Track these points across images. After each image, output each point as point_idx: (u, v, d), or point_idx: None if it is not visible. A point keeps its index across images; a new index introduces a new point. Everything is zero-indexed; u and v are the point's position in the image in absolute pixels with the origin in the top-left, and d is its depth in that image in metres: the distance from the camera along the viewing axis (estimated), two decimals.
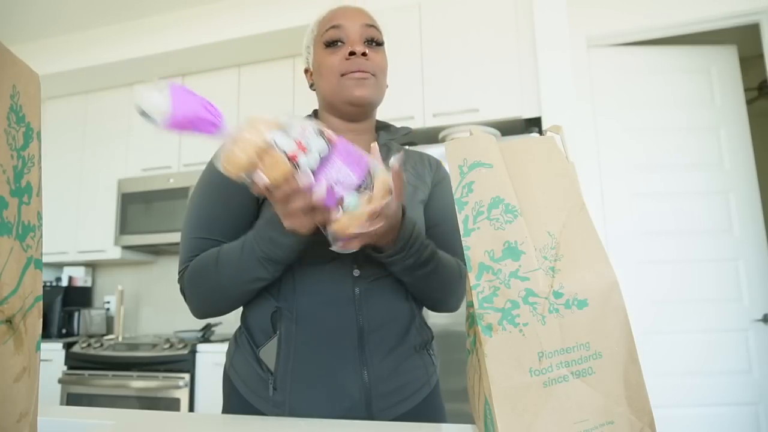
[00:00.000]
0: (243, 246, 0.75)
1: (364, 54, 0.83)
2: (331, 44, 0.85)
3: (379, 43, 0.88)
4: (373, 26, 0.87)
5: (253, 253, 0.74)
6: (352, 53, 0.83)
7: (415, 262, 0.77)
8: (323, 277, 0.80)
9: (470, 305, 0.58)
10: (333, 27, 0.85)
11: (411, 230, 0.74)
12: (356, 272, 0.80)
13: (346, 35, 0.85)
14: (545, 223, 0.53)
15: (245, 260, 0.74)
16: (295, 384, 0.77)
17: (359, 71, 0.83)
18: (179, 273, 0.84)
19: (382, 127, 0.97)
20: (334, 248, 0.65)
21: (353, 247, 0.65)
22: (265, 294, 0.82)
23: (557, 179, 0.56)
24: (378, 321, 0.80)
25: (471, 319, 0.58)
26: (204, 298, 0.80)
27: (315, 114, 0.94)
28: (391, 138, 0.92)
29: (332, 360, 0.77)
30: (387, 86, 0.92)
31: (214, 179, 0.83)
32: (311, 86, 0.93)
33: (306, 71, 0.94)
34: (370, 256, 0.77)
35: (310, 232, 0.66)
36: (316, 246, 0.75)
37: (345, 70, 0.83)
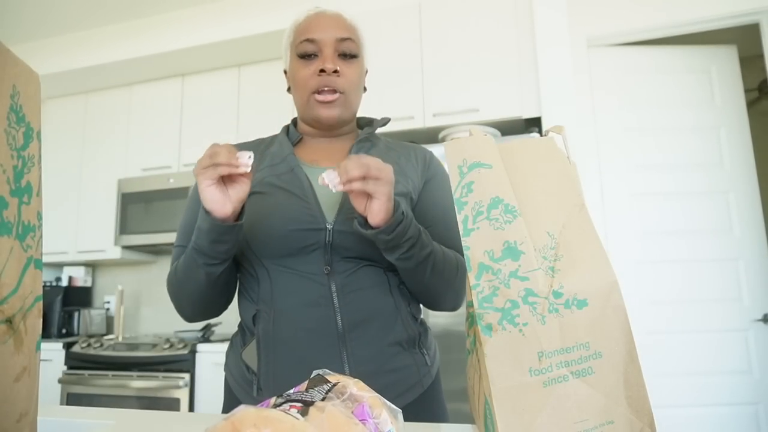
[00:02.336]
0: (190, 243, 0.79)
1: (335, 71, 0.85)
2: (304, 56, 0.87)
3: (354, 56, 0.89)
4: (348, 38, 0.88)
5: (191, 245, 0.78)
6: (323, 71, 0.84)
7: (412, 246, 0.75)
8: (298, 277, 0.80)
9: (470, 305, 0.58)
10: (307, 40, 0.87)
11: (401, 210, 0.73)
12: (326, 269, 0.80)
13: (320, 49, 0.86)
14: (545, 224, 0.53)
15: (187, 258, 0.80)
16: (278, 384, 0.77)
17: (329, 91, 0.85)
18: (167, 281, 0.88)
19: (365, 123, 0.98)
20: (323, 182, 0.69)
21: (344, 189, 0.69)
22: (249, 298, 0.85)
23: (557, 179, 0.56)
24: (359, 316, 0.79)
25: (471, 319, 0.58)
26: (177, 300, 0.86)
27: (295, 122, 0.97)
28: (371, 131, 0.93)
29: (313, 359, 0.77)
30: (366, 90, 0.95)
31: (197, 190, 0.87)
32: (288, 89, 0.95)
33: (285, 72, 0.96)
34: (347, 248, 0.80)
35: (222, 213, 0.71)
36: (287, 245, 0.79)
37: (315, 87, 0.85)
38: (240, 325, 0.89)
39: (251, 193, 0.80)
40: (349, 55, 0.88)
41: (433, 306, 0.90)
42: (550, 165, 0.57)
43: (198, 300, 0.83)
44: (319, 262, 0.80)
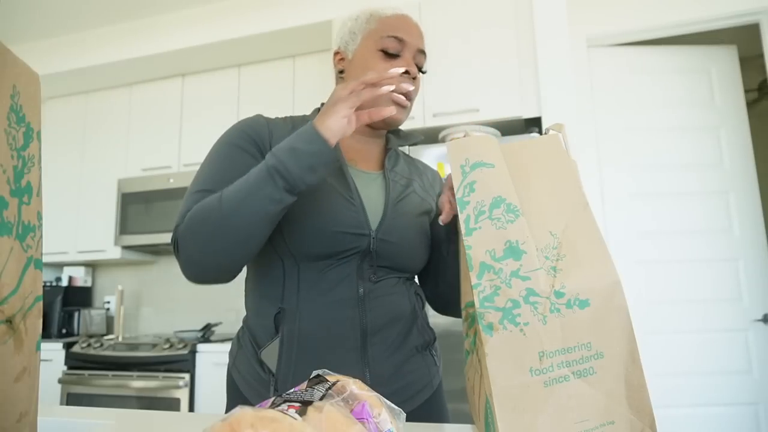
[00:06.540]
0: (252, 171, 0.71)
1: (414, 78, 0.85)
2: (386, 51, 0.85)
3: (423, 71, 0.90)
4: (424, 52, 0.89)
5: (266, 167, 0.69)
6: (406, 72, 0.83)
7: None
8: (327, 279, 0.79)
9: (470, 305, 0.58)
10: (396, 38, 0.85)
11: None
12: (372, 276, 0.80)
13: (404, 51, 0.86)
14: (547, 223, 0.53)
15: (253, 180, 0.69)
16: (296, 385, 0.76)
17: (404, 95, 0.84)
18: (174, 228, 0.76)
19: (392, 131, 0.97)
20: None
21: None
22: (269, 296, 0.82)
23: (559, 179, 0.56)
24: (381, 321, 0.80)
25: (471, 320, 0.58)
26: (204, 242, 0.71)
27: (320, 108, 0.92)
28: (400, 144, 0.94)
29: (335, 362, 0.76)
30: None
31: (229, 140, 0.82)
32: (340, 72, 0.90)
33: (336, 53, 0.91)
34: (385, 257, 0.81)
35: (340, 133, 0.69)
36: (329, 246, 0.78)
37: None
38: (248, 325, 0.86)
39: None
40: (420, 69, 0.89)
41: (451, 305, 0.90)
42: (553, 165, 0.57)
43: (241, 241, 0.70)
44: (353, 266, 0.80)
